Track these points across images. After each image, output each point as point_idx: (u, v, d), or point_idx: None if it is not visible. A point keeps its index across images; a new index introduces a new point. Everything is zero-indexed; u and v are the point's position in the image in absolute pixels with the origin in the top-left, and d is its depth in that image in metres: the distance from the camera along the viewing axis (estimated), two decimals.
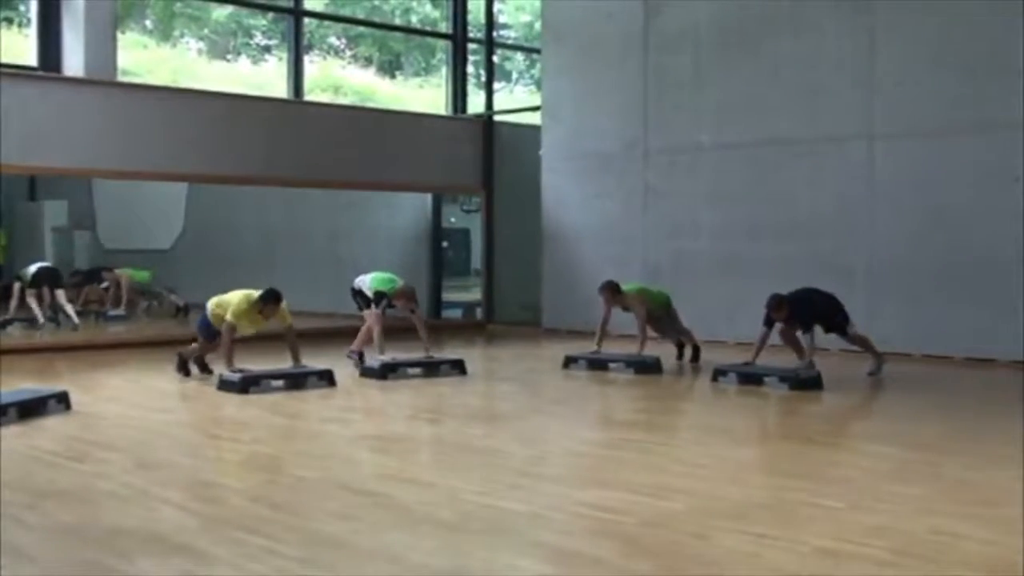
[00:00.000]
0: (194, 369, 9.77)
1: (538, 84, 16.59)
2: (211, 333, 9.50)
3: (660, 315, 11.01)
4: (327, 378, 9.27)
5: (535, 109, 15.74)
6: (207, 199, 15.89)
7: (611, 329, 10.95)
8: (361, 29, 17.95)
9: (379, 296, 10.29)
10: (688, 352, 11.12)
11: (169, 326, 14.91)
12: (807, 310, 9.63)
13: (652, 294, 11.09)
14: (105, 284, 15.55)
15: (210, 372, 9.67)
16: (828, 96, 12.28)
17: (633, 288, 11.02)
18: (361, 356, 10.44)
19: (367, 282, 10.44)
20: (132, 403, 8.58)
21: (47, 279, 13.69)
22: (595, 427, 7.94)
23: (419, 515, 5.01)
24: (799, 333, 9.68)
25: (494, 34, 17.08)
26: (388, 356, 10.00)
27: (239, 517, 4.98)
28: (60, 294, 13.75)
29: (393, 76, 18.82)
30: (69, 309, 13.73)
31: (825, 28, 12.31)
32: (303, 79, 15.00)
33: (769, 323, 9.68)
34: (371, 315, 10.27)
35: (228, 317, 9.20)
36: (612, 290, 10.84)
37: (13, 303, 13.80)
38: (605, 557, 4.42)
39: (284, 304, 9.41)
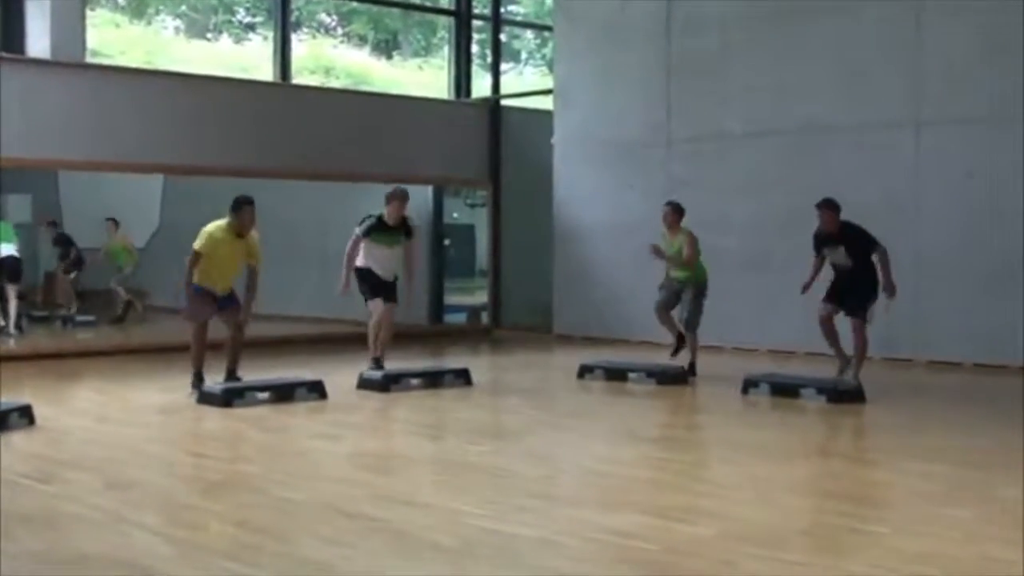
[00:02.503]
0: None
1: (550, 65, 16.59)
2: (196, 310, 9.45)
3: (696, 286, 10.70)
4: (317, 390, 9.27)
5: (547, 93, 15.73)
6: (185, 193, 15.92)
7: (632, 335, 10.93)
8: (355, 5, 17.97)
9: (364, 222, 9.98)
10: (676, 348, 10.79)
11: (143, 332, 14.95)
12: (863, 239, 9.57)
13: (700, 264, 10.83)
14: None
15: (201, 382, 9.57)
16: (870, 79, 12.25)
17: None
18: (378, 361, 10.18)
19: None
20: (102, 417, 8.59)
21: (7, 272, 13.70)
22: (613, 443, 7.92)
23: (417, 540, 5.00)
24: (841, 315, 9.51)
25: (501, 10, 17.09)
26: (386, 364, 9.98)
27: (219, 543, 4.97)
28: (12, 290, 13.76)
29: (390, 57, 18.85)
30: (12, 309, 13.69)
31: (866, 5, 12.29)
32: (290, 60, 15.01)
33: (819, 247, 9.72)
34: (375, 305, 10.05)
35: (196, 244, 9.26)
36: (677, 210, 10.74)
37: None
38: None
39: (255, 234, 9.42)
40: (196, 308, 9.34)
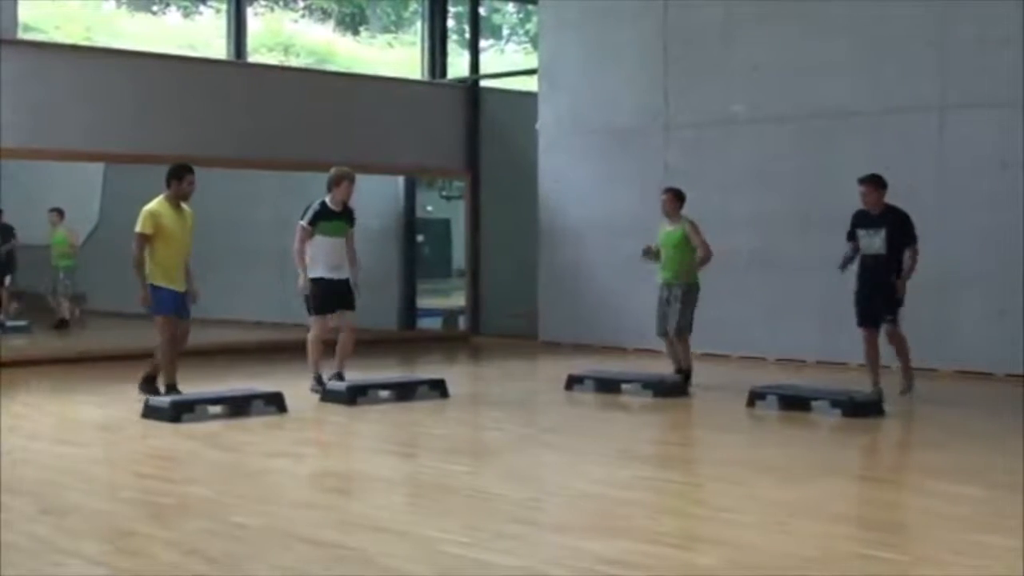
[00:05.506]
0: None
1: (534, 42, 16.61)
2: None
3: (684, 286, 10.68)
4: (276, 403, 9.26)
5: (531, 73, 15.75)
6: (127, 184, 15.84)
7: (625, 343, 10.96)
8: None
9: (306, 212, 10.14)
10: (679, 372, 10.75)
11: (81, 340, 14.89)
12: (907, 227, 9.73)
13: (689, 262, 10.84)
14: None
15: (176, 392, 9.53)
16: (891, 58, 12.28)
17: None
18: (319, 379, 10.37)
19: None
20: (35, 434, 8.56)
21: None
22: (605, 463, 7.94)
23: (387, 570, 5.01)
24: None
25: None
26: (326, 374, 10.03)
27: (167, 573, 4.97)
28: None
29: (356, 32, 18.83)
30: None
31: None
32: (245, 36, 14.98)
33: (855, 228, 9.81)
34: (316, 321, 10.22)
35: (138, 228, 9.34)
36: (679, 196, 10.84)
37: None
38: None
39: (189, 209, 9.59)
40: (161, 302, 9.37)
